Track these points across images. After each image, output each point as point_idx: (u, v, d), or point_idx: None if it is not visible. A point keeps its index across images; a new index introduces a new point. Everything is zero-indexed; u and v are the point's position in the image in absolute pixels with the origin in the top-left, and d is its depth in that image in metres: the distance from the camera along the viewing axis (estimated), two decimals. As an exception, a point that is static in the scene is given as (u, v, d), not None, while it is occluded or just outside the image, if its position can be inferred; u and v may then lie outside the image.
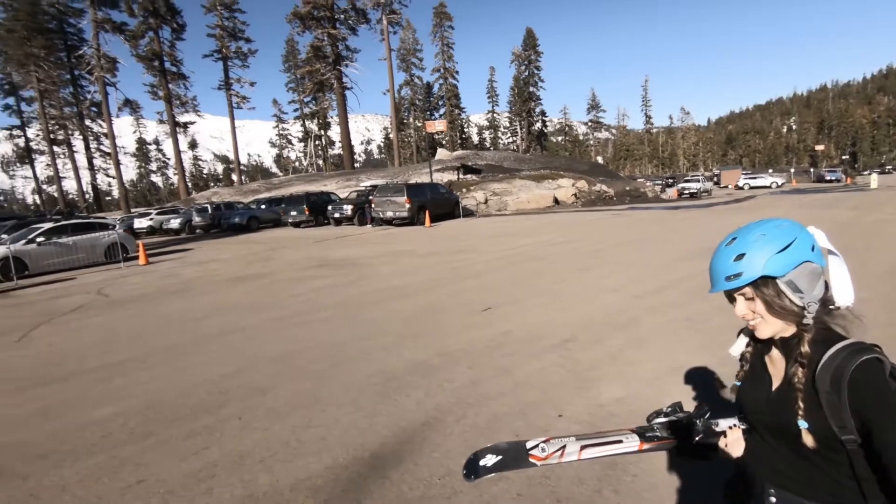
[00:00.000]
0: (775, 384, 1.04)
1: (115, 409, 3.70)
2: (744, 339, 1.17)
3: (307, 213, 20.41)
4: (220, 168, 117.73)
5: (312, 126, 72.13)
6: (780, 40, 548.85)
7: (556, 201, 25.52)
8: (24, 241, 11.70)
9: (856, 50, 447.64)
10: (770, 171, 59.58)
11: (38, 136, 46.11)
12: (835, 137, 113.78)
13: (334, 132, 79.19)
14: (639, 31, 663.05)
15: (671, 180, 49.15)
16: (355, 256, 11.29)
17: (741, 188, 45.37)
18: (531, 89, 74.21)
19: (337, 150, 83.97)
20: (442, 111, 74.21)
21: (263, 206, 23.01)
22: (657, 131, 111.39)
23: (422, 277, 8.23)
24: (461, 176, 28.56)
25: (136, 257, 13.24)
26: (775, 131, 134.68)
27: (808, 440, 0.95)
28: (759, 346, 1.12)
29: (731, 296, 1.04)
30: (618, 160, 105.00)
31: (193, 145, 77.19)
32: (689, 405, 1.24)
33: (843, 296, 1.00)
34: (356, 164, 78.23)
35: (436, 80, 73.50)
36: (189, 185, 52.54)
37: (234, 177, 54.60)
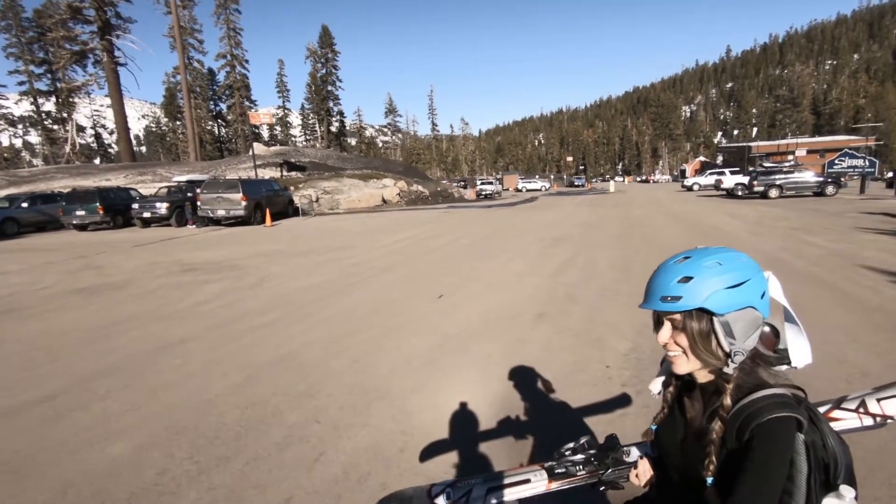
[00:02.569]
0: (690, 429, 0.98)
1: (131, 444, 2.92)
2: (661, 378, 1.11)
3: (101, 212, 16.51)
4: None
5: (51, 106, 57.57)
6: (528, 67, 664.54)
7: (384, 200, 26.27)
8: None
9: (580, 80, 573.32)
10: (537, 176, 71.60)
11: None
12: (572, 152, 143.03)
13: (80, 115, 64.39)
14: (425, 42, 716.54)
15: (464, 183, 55.54)
16: (223, 258, 9.97)
17: (520, 190, 53.71)
18: (329, 88, 73.35)
19: (88, 138, 68.66)
20: (230, 102, 67.60)
21: (25, 205, 17.61)
22: (441, 138, 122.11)
23: (331, 276, 7.94)
24: (285, 173, 26.85)
25: None
26: (531, 144, 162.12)
27: (712, 497, 0.89)
28: (680, 386, 1.05)
29: (659, 318, 0.96)
30: (409, 163, 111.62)
31: None
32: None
33: (800, 358, 0.96)
34: (111, 156, 65.58)
35: (221, 68, 66.41)
36: None
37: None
